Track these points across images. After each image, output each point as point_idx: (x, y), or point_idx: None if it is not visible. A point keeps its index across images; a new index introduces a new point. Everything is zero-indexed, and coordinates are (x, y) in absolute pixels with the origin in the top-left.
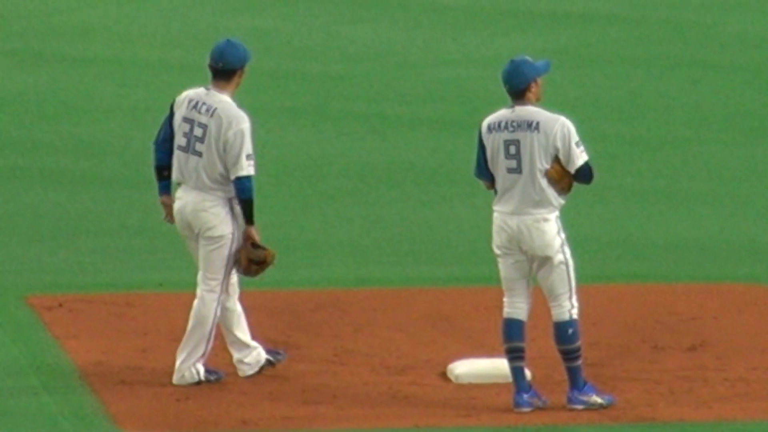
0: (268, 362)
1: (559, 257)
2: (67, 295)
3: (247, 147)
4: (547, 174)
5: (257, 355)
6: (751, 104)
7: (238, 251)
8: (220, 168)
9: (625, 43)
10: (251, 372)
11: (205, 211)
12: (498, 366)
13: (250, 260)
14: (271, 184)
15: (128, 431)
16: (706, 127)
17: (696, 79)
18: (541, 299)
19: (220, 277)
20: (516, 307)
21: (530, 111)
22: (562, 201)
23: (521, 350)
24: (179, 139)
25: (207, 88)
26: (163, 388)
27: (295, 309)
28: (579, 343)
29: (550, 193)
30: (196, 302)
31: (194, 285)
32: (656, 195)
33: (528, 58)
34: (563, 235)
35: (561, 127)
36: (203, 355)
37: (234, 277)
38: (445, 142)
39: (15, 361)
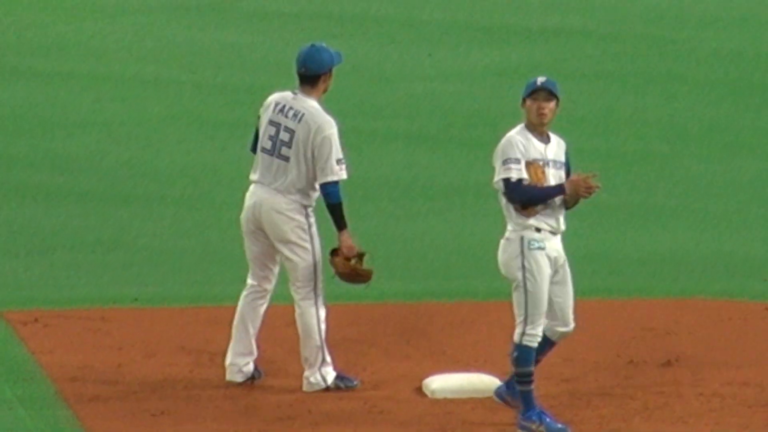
0: (252, 377)
1: (517, 279)
2: (43, 310)
3: (337, 151)
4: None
5: (251, 366)
6: (727, 119)
7: (334, 258)
8: (305, 174)
9: (601, 58)
10: (240, 380)
11: (282, 214)
12: (473, 381)
13: (352, 270)
14: None
15: None
16: (681, 141)
17: (671, 94)
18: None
19: (311, 285)
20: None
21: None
22: (528, 220)
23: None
24: (264, 142)
25: (294, 93)
26: (138, 403)
27: (271, 324)
28: (525, 369)
29: (512, 210)
30: (297, 312)
31: (169, 300)
32: (631, 210)
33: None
34: (529, 259)
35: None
36: (324, 362)
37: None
38: (419, 156)
39: None
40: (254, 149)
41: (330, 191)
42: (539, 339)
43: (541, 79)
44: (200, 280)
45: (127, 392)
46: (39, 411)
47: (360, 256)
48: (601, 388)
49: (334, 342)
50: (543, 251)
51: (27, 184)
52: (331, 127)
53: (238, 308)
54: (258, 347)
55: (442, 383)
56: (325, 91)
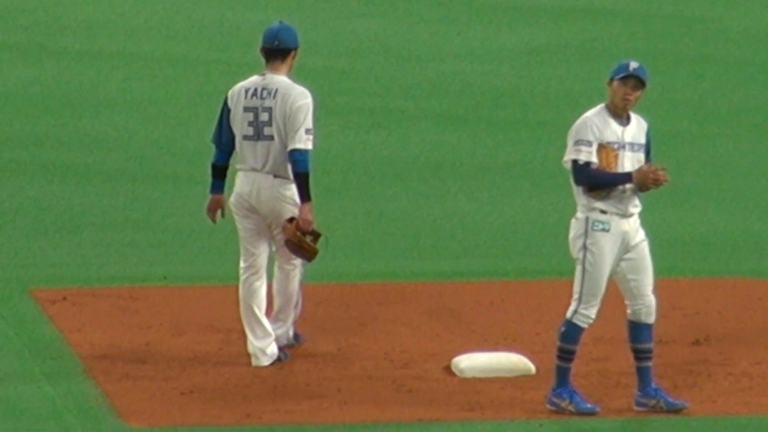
0: (278, 358)
1: (578, 256)
2: (71, 289)
3: (308, 122)
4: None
5: (274, 346)
6: (756, 99)
7: (288, 224)
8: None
9: (630, 37)
10: (267, 363)
11: (283, 200)
12: (502, 360)
13: (298, 242)
14: None
15: (132, 424)
16: (710, 122)
17: (701, 74)
18: (547, 294)
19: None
20: (627, 307)
21: None
22: (595, 202)
23: (642, 351)
24: (244, 130)
25: (262, 74)
26: (167, 381)
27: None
28: (569, 346)
29: (581, 191)
30: (278, 277)
31: (198, 278)
32: (661, 190)
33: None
34: (592, 239)
35: None
36: (294, 320)
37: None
38: (449, 136)
39: (19, 353)
40: (216, 139)
41: (298, 159)
42: (590, 321)
43: (633, 65)
44: (229, 259)
45: (155, 370)
46: (68, 388)
47: (315, 236)
48: (631, 367)
49: (364, 320)
50: (607, 233)
51: (56, 162)
52: (305, 97)
53: (240, 295)
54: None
55: (470, 362)
56: (291, 68)
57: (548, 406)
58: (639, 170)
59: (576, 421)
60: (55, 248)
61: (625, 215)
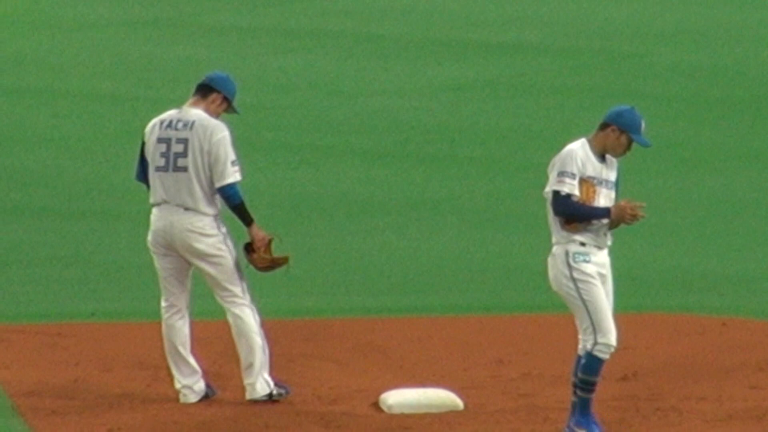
0: (206, 395)
1: (568, 291)
2: None
3: (230, 154)
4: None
5: (201, 383)
6: (684, 134)
7: (251, 255)
8: (206, 180)
9: (558, 72)
10: (195, 399)
11: (196, 233)
12: (430, 396)
13: (271, 262)
14: None
15: None
16: (638, 157)
17: None
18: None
19: (237, 287)
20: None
21: None
22: (573, 235)
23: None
24: (157, 161)
25: (179, 108)
26: (95, 418)
27: (226, 339)
28: (591, 378)
29: (557, 223)
30: (231, 321)
31: (126, 315)
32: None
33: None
34: (576, 269)
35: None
36: (268, 364)
37: (185, 300)
38: (377, 172)
39: None
40: (140, 177)
41: (230, 193)
42: (612, 351)
43: (648, 141)
44: (156, 295)
45: (83, 407)
46: None
47: (269, 242)
48: (559, 402)
49: (292, 357)
50: (589, 264)
51: None
52: (222, 130)
53: (163, 334)
54: (200, 366)
55: (398, 398)
56: (213, 111)
57: None
58: (617, 205)
59: None
60: None
61: (601, 247)
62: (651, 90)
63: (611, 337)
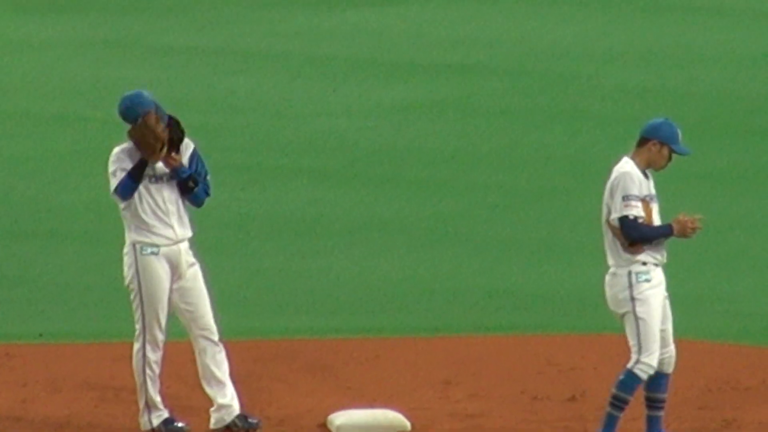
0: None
1: (626, 310)
2: None
3: (110, 168)
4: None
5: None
6: None
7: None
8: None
9: (505, 93)
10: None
11: (123, 259)
12: (378, 417)
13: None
14: None
15: None
16: (585, 177)
17: (576, 130)
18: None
19: (138, 325)
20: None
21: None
22: (636, 256)
23: (654, 400)
24: None
25: None
26: None
27: (175, 360)
28: (624, 395)
29: (619, 245)
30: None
31: (74, 336)
32: (536, 245)
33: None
34: (638, 290)
35: None
36: (146, 404)
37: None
38: (324, 193)
39: None
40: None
41: (118, 195)
42: (651, 372)
43: (685, 147)
44: (105, 315)
45: (31, 428)
46: None
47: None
48: (507, 423)
49: (240, 377)
50: (650, 282)
51: None
52: (113, 150)
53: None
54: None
55: (346, 419)
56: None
57: None
58: (677, 221)
59: None
60: None
61: (660, 264)
62: (598, 111)
63: (653, 358)
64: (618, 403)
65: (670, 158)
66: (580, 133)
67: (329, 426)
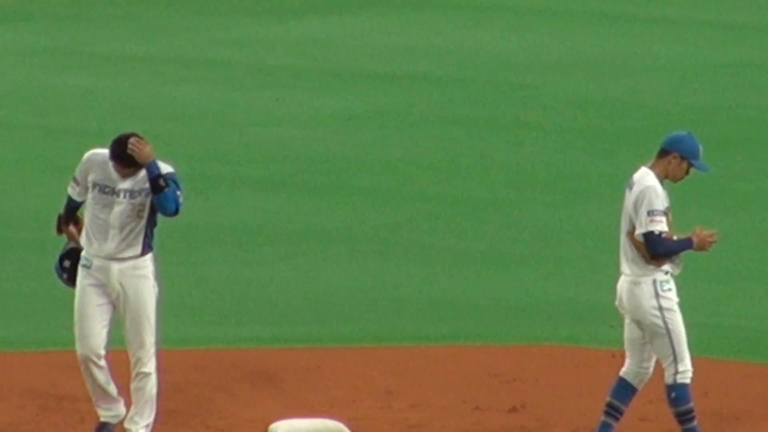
0: None
1: (654, 321)
2: None
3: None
4: None
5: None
6: (574, 166)
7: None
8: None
9: (448, 103)
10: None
11: None
12: (319, 426)
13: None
14: None
15: None
16: (528, 188)
17: (519, 140)
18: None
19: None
20: (626, 365)
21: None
22: (663, 266)
23: (614, 408)
24: None
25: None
26: None
27: (117, 369)
28: (686, 406)
29: (640, 257)
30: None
31: (17, 344)
32: (478, 256)
33: None
34: (664, 298)
35: None
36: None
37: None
38: (268, 201)
39: None
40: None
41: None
42: (691, 374)
43: (705, 163)
44: (48, 324)
45: None
46: None
47: None
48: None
49: (181, 387)
50: (672, 291)
51: None
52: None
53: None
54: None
55: (288, 428)
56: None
57: None
58: (696, 234)
59: None
60: None
61: (676, 274)
62: (541, 121)
63: (689, 362)
64: (686, 416)
65: (687, 172)
66: (523, 144)
67: None
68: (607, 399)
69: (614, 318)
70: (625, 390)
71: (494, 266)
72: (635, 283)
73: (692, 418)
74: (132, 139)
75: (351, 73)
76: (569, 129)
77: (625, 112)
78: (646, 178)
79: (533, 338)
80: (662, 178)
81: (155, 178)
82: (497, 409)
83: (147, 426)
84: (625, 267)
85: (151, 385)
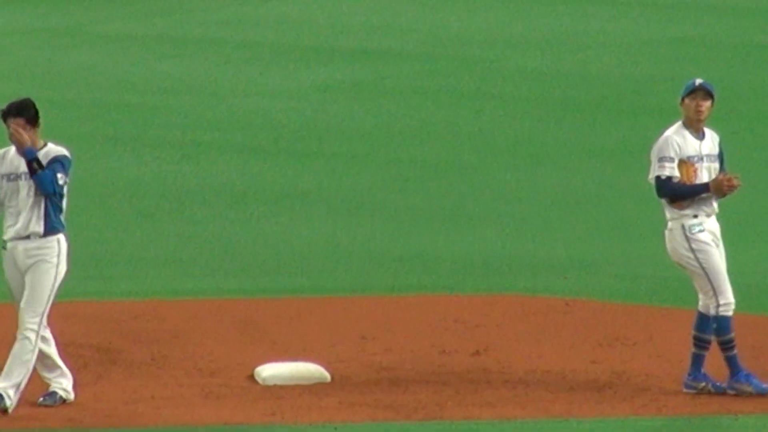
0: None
1: (689, 262)
2: None
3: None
4: None
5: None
6: (530, 132)
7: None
8: None
9: (416, 76)
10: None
11: None
12: (300, 369)
13: None
14: (94, 204)
15: None
16: (489, 153)
17: (480, 109)
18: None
19: None
20: (700, 300)
21: None
22: (685, 209)
23: (700, 339)
24: None
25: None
26: None
27: (117, 318)
28: (727, 336)
29: (666, 203)
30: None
31: None
32: (444, 214)
33: None
34: (694, 241)
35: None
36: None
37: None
38: (252, 166)
39: None
40: None
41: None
42: (733, 306)
43: (699, 81)
44: None
45: None
46: None
47: None
48: (418, 375)
49: (176, 333)
50: (704, 232)
51: None
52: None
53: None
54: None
55: (272, 371)
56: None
57: (729, 391)
58: (714, 180)
59: (385, 424)
60: None
61: (710, 215)
62: (500, 92)
63: (730, 295)
64: (728, 345)
65: (699, 107)
66: (483, 112)
67: (257, 377)
68: (693, 333)
69: (568, 270)
70: (705, 321)
71: (459, 224)
72: (669, 230)
73: (733, 347)
74: (12, 128)
75: (327, 49)
76: (525, 99)
77: (575, 84)
78: (667, 131)
79: (495, 289)
80: (689, 124)
81: (30, 162)
82: (462, 352)
83: (15, 386)
84: (665, 215)
85: (26, 350)
